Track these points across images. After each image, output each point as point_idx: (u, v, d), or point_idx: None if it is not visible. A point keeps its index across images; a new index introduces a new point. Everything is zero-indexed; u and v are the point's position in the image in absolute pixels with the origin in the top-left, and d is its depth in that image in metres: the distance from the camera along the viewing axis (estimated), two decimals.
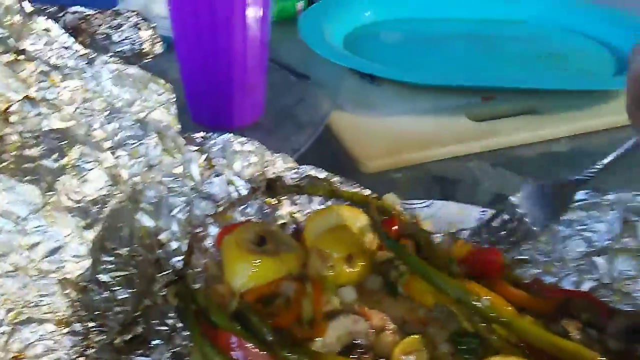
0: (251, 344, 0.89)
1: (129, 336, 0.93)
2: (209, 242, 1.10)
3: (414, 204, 1.32)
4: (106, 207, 0.92)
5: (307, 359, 0.89)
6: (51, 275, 0.82)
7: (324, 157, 1.60)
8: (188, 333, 0.92)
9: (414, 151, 1.61)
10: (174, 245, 1.05)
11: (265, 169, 1.17)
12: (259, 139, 1.25)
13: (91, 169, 0.93)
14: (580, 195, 1.13)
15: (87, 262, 0.87)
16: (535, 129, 1.70)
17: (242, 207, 1.14)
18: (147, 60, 1.22)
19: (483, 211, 1.29)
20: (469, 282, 1.05)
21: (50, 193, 0.86)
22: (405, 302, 1.04)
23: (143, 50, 1.22)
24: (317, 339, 0.94)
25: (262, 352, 0.88)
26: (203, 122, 1.16)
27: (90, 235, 0.88)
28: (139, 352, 0.90)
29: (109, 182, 0.95)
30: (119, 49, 1.21)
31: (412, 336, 0.98)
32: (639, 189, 1.09)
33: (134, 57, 1.21)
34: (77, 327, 0.82)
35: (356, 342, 0.96)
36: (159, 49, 1.26)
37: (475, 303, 0.97)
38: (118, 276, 0.91)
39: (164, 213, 1.06)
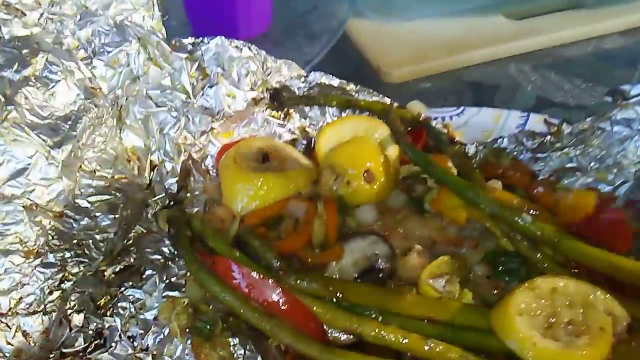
0: (254, 271, 0.77)
1: (120, 267, 0.83)
2: (208, 163, 0.98)
3: (442, 111, 1.15)
4: (80, 123, 0.79)
5: (318, 286, 0.78)
6: (16, 201, 0.71)
7: (342, 69, 1.42)
8: (184, 262, 0.81)
9: (444, 56, 1.42)
10: (168, 166, 0.93)
11: (268, 77, 1.02)
12: (267, 50, 1.09)
13: (59, 81, 0.80)
14: (638, 88, 0.94)
15: (59, 186, 0.75)
16: (582, 24, 1.48)
17: (244, 122, 1.00)
18: None
19: (524, 115, 1.12)
20: (506, 194, 0.91)
21: (10, 108, 0.74)
22: (433, 220, 0.91)
23: None
24: (330, 264, 0.83)
25: (266, 280, 0.77)
26: (204, 33, 1.02)
27: (61, 155, 0.76)
28: (130, 284, 0.80)
29: (82, 96, 0.82)
30: None
31: (441, 257, 0.85)
32: None
33: None
34: (51, 258, 0.72)
35: (376, 266, 0.83)
36: None
37: (514, 220, 0.83)
38: (99, 201, 0.80)
39: (153, 131, 0.93)
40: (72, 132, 0.79)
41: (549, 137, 1.02)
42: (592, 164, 0.98)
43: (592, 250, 0.80)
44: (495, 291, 0.83)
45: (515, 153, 1.05)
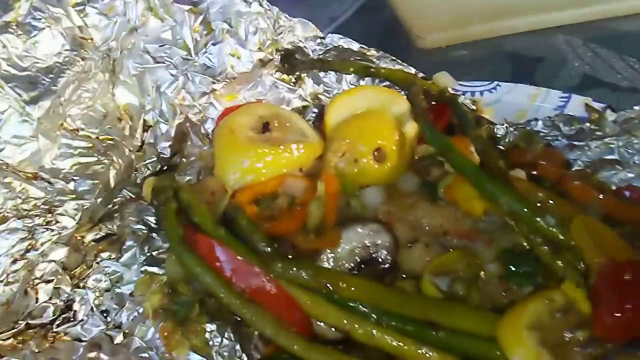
0: (238, 255, 0.71)
1: (101, 234, 0.77)
2: (208, 127, 0.90)
3: (473, 86, 1.04)
4: (62, 77, 0.73)
5: (307, 277, 0.70)
6: None
7: (371, 29, 1.32)
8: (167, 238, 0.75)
9: (485, 22, 1.29)
10: (163, 128, 0.87)
11: (279, 37, 0.93)
12: (291, 4, 0.99)
13: (43, 29, 0.73)
14: None
15: (34, 145, 0.69)
16: None
17: (250, 84, 0.91)
18: None
19: (564, 97, 1.00)
20: (531, 186, 0.81)
21: None
22: (447, 209, 0.81)
23: None
24: (324, 252, 0.75)
25: (251, 266, 0.70)
26: None
27: (37, 111, 0.70)
28: (107, 255, 0.75)
29: (68, 47, 0.75)
30: None
31: (449, 253, 0.76)
32: None
33: None
34: (18, 223, 0.67)
35: (376, 257, 0.76)
36: None
37: (536, 219, 0.73)
38: (79, 164, 0.74)
39: (149, 88, 0.86)
40: (53, 87, 0.72)
41: (589, 124, 0.90)
42: (636, 157, 0.87)
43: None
44: (506, 295, 0.75)
45: (549, 138, 0.93)
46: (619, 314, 0.62)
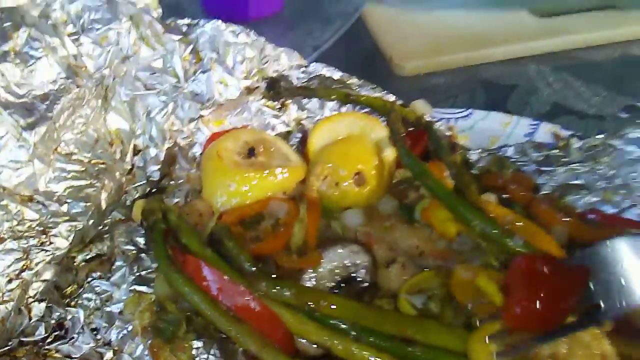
0: (224, 274, 0.74)
1: (91, 254, 0.80)
2: (195, 151, 0.94)
3: (449, 113, 1.10)
4: (58, 104, 0.76)
5: (290, 295, 0.74)
6: None
7: (352, 57, 1.38)
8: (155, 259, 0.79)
9: (460, 51, 1.35)
10: (152, 152, 0.90)
11: (265, 65, 0.97)
12: (277, 33, 1.05)
13: (40, 58, 0.77)
14: None
15: (29, 169, 0.73)
16: (611, 27, 1.39)
17: (236, 110, 0.96)
18: None
19: (534, 124, 1.06)
20: (500, 209, 0.86)
21: None
22: (423, 230, 0.86)
23: None
24: (306, 271, 0.79)
25: (236, 285, 0.74)
26: (216, 11, 0.97)
27: (33, 137, 0.73)
28: (98, 274, 0.78)
29: (63, 75, 0.79)
30: None
31: (423, 272, 0.81)
32: None
33: None
34: (13, 244, 0.70)
35: (355, 277, 0.80)
36: None
37: (505, 240, 0.78)
38: (72, 187, 0.77)
39: (139, 114, 0.90)
40: (48, 113, 0.76)
41: (556, 150, 0.96)
42: (600, 183, 0.92)
43: None
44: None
45: (519, 164, 0.99)
46: (527, 304, 0.66)
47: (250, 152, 0.86)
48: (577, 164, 0.94)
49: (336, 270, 0.79)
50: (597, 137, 0.92)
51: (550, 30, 1.39)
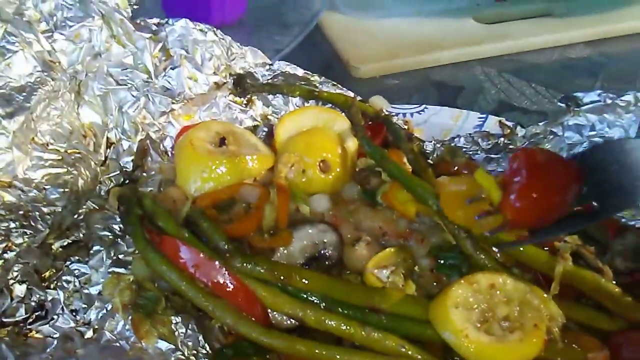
0: (201, 252, 0.78)
1: (68, 241, 0.83)
2: (167, 144, 0.98)
3: (404, 108, 1.17)
4: (35, 95, 0.79)
5: (264, 270, 0.79)
6: None
7: (311, 61, 1.43)
8: (131, 239, 0.82)
9: (413, 55, 1.44)
10: (125, 144, 0.94)
11: (232, 62, 1.03)
12: (239, 38, 1.09)
13: (17, 52, 0.80)
14: (591, 96, 0.97)
15: (9, 156, 0.75)
16: (549, 32, 1.51)
17: (206, 105, 1.00)
18: None
19: (482, 117, 1.14)
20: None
21: None
22: (385, 212, 0.92)
23: None
24: (278, 250, 0.84)
25: (212, 262, 0.78)
26: (177, 16, 1.02)
27: (12, 125, 0.76)
28: (76, 258, 0.80)
29: (39, 68, 0.82)
30: None
31: (388, 249, 0.87)
32: None
33: None
34: None
35: (324, 254, 0.85)
36: None
37: None
38: (50, 174, 0.80)
39: (112, 108, 0.93)
40: (26, 104, 0.78)
41: (502, 138, 1.05)
42: None
43: (533, 250, 0.83)
44: (437, 284, 0.86)
45: (470, 152, 1.07)
46: (528, 196, 0.71)
47: (222, 142, 0.91)
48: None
49: (306, 248, 0.84)
50: (539, 125, 1.01)
51: (494, 36, 1.50)
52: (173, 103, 0.96)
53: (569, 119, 0.99)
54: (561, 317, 0.77)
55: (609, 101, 0.96)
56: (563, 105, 1.01)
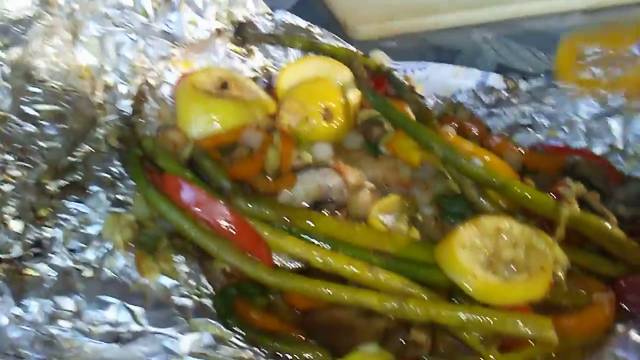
0: (204, 191, 0.76)
1: (65, 182, 0.80)
2: (165, 91, 0.96)
3: (405, 64, 1.16)
4: (32, 29, 0.76)
5: (269, 211, 0.77)
6: None
7: (306, 20, 1.42)
8: (132, 182, 0.79)
9: (411, 18, 1.42)
10: (122, 88, 0.91)
11: (233, 9, 1.00)
12: None
13: None
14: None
15: (5, 89, 0.72)
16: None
17: (205, 52, 0.98)
18: None
19: (484, 74, 1.13)
20: (459, 139, 0.92)
21: None
22: (388, 161, 0.91)
23: None
24: (282, 192, 0.82)
25: (216, 201, 0.76)
26: None
27: (9, 56, 0.73)
28: (74, 197, 0.78)
29: (37, 2, 0.79)
30: None
31: (392, 195, 0.86)
32: None
33: None
34: None
35: (328, 198, 0.84)
36: None
37: (465, 163, 0.84)
38: (46, 110, 0.77)
39: (109, 50, 0.90)
40: (23, 36, 0.76)
41: (505, 93, 1.04)
42: (545, 121, 1.01)
43: (538, 196, 0.82)
44: (441, 232, 0.85)
45: (472, 108, 1.06)
46: None
47: (224, 86, 0.89)
48: (524, 105, 1.03)
49: (310, 192, 0.83)
50: (541, 77, 1.00)
51: (494, 1, 1.49)
52: (173, 47, 0.94)
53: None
54: (566, 261, 0.77)
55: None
56: None
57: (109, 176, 0.82)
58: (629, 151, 0.92)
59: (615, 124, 0.94)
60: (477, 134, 1.00)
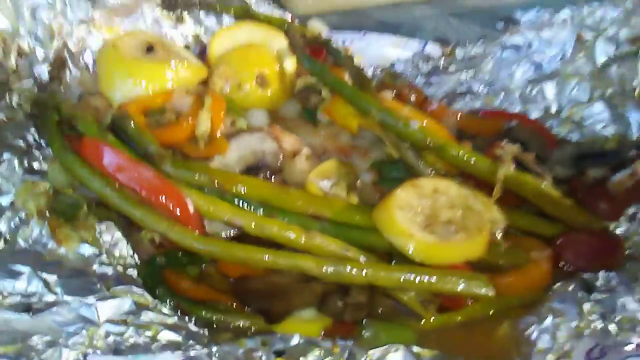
0: (128, 156, 0.71)
1: None
2: (87, 58, 0.90)
3: (344, 34, 1.14)
4: None
5: (199, 176, 0.73)
6: None
7: None
8: (50, 150, 0.73)
9: None
10: (39, 53, 0.84)
11: None
12: None
13: None
14: (529, 14, 0.97)
15: None
16: None
17: (130, 17, 0.92)
18: None
19: (423, 43, 1.13)
20: (396, 104, 0.91)
21: None
22: (326, 129, 0.89)
23: None
24: (214, 159, 0.78)
25: (141, 165, 0.71)
26: None
27: None
28: None
29: None
30: None
31: (330, 161, 0.83)
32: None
33: None
34: None
35: (263, 163, 0.80)
36: None
37: (403, 126, 0.82)
38: None
39: (24, 13, 0.84)
40: None
41: (442, 60, 1.03)
42: (482, 88, 1.00)
43: (475, 157, 0.81)
44: (380, 197, 0.83)
45: (410, 78, 1.05)
46: None
47: (149, 49, 0.84)
48: (462, 73, 1.02)
49: (244, 157, 0.79)
50: (477, 44, 1.00)
51: None
52: (93, 9, 0.88)
53: (507, 39, 0.99)
54: (503, 221, 0.77)
55: (546, 19, 0.96)
56: (500, 25, 1.01)
57: (23, 144, 0.76)
58: (562, 115, 0.93)
59: (550, 88, 0.94)
60: (415, 100, 0.99)
